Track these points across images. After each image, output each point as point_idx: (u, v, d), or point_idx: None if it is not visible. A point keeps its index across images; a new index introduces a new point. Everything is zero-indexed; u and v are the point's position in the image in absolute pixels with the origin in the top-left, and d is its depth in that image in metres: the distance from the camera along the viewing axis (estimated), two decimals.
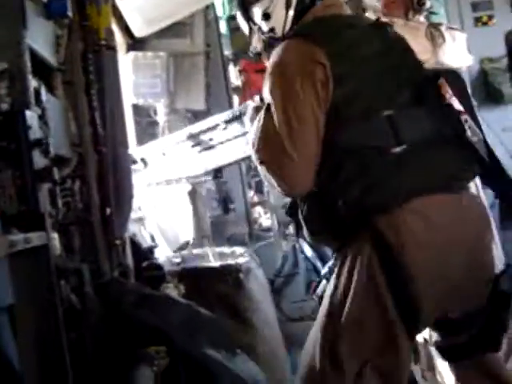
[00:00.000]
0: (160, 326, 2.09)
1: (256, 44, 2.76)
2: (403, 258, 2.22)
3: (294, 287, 5.15)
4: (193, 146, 4.00)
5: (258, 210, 5.93)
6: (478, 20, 5.37)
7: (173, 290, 3.08)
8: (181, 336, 2.05)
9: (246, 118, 2.95)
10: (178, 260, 3.55)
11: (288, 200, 2.62)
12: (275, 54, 2.47)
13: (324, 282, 2.51)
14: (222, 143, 3.84)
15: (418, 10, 4.26)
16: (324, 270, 2.56)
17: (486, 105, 5.24)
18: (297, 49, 2.45)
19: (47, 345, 1.82)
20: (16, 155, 1.72)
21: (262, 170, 2.46)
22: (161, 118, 4.83)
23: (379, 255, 2.26)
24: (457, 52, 4.22)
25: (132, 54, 4.73)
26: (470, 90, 5.01)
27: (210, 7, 5.01)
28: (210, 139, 3.89)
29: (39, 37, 2.12)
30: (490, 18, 5.62)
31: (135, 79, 4.66)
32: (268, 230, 5.54)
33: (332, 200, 2.32)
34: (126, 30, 4.64)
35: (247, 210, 5.52)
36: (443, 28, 4.19)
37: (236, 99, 5.60)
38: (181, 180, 4.12)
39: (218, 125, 3.81)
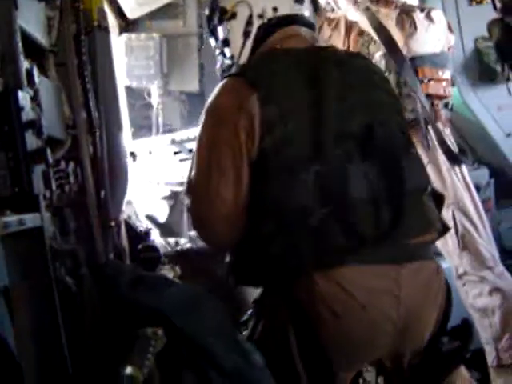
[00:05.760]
0: (157, 307, 2.08)
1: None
2: (317, 329, 2.12)
3: None
4: (175, 154, 3.94)
5: None
6: None
7: (169, 272, 3.08)
8: (179, 316, 2.05)
9: None
10: (173, 242, 3.54)
11: None
12: (214, 92, 2.33)
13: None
14: None
15: None
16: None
17: (480, 84, 5.22)
18: (230, 92, 2.28)
19: (43, 326, 1.82)
20: (9, 136, 1.71)
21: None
22: (155, 100, 4.82)
23: (293, 321, 2.15)
24: (432, 37, 4.09)
25: (125, 35, 4.71)
26: (463, 69, 4.97)
27: None
28: (190, 150, 3.79)
29: (30, 18, 2.10)
30: None
31: (128, 61, 4.64)
32: None
33: (256, 252, 2.20)
34: (119, 11, 4.61)
35: None
36: (417, 13, 4.09)
37: None
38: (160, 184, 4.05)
39: None
